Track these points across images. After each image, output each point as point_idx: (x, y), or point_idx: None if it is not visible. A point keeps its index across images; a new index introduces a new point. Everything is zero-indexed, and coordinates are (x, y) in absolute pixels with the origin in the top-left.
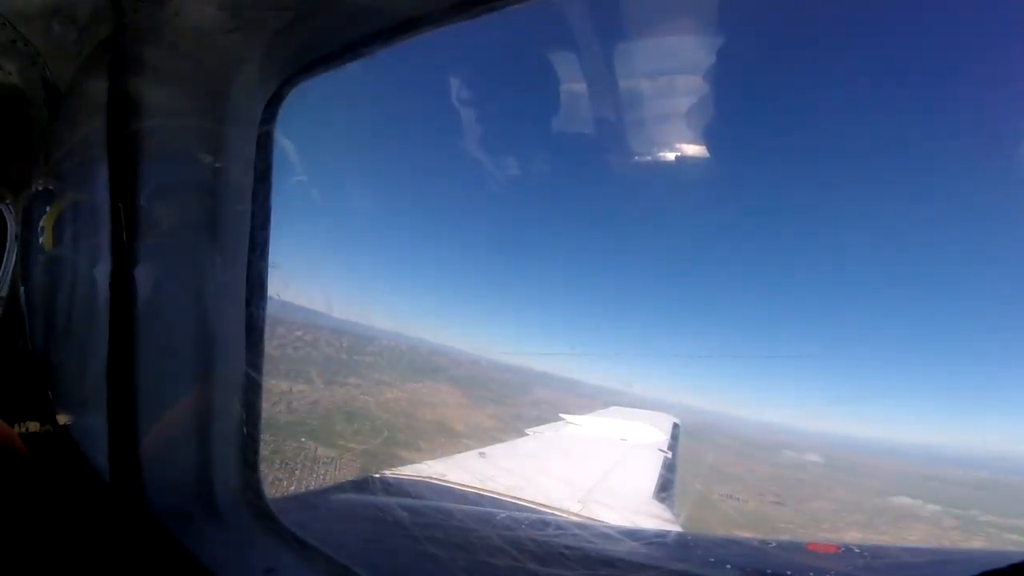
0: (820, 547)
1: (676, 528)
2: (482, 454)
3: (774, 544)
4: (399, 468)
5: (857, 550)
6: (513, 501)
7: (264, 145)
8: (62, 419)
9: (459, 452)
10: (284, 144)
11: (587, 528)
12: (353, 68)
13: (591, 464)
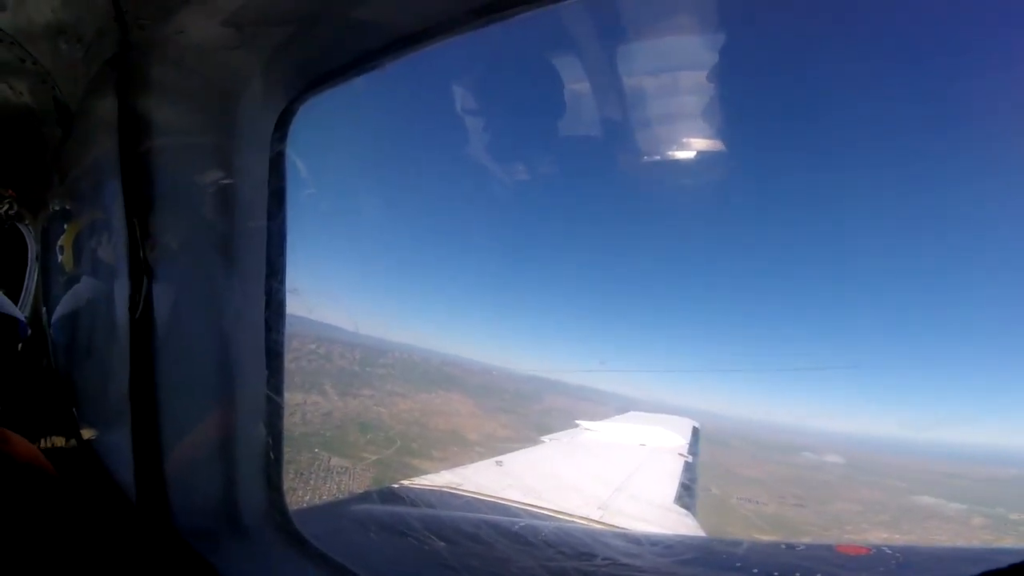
0: (850, 549)
1: (700, 533)
2: (499, 463)
3: (803, 547)
4: (421, 478)
5: (888, 551)
6: (535, 510)
7: (276, 161)
8: (87, 437)
9: (472, 461)
10: (296, 160)
11: (621, 550)
12: (361, 82)
13: (610, 470)
